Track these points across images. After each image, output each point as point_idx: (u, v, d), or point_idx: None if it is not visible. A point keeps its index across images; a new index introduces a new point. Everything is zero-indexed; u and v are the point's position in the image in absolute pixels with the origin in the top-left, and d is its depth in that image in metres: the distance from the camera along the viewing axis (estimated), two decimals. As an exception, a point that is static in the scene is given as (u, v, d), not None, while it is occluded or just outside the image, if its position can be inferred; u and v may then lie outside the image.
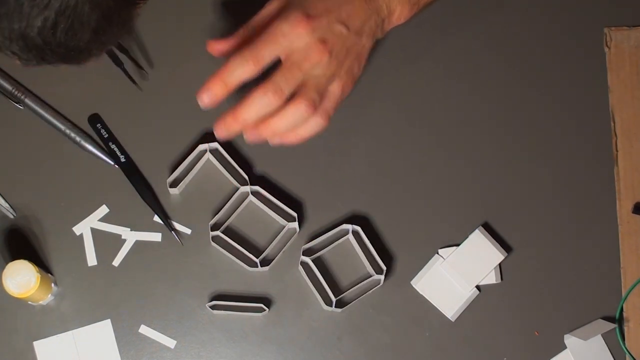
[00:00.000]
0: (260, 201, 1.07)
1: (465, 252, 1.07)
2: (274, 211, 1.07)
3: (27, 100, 1.07)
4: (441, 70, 1.12)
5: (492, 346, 1.07)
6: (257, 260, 1.05)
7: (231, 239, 1.06)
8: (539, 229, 1.10)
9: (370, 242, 1.06)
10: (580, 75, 1.12)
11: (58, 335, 1.05)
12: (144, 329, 1.06)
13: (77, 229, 1.07)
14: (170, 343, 1.06)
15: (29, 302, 1.04)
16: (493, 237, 1.08)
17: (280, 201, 1.06)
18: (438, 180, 1.10)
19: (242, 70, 0.94)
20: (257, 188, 1.06)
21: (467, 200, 1.10)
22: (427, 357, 1.07)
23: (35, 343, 1.05)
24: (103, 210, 1.07)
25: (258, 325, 1.06)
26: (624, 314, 1.08)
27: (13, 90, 1.07)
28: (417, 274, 1.08)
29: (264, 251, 1.07)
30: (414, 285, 1.08)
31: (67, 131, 1.07)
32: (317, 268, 1.05)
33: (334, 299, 1.04)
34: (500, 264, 1.08)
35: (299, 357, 1.06)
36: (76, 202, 1.07)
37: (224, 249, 1.06)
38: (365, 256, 1.07)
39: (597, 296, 1.08)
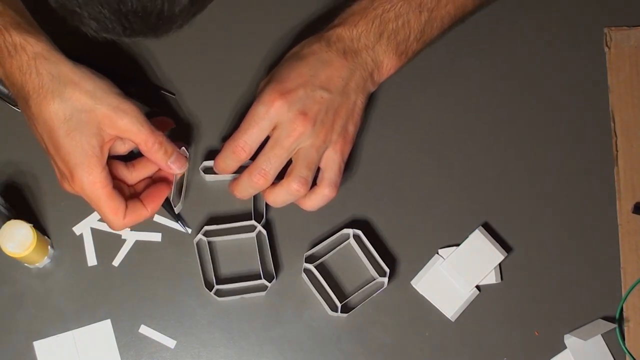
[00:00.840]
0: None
1: (465, 252, 1.07)
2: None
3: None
4: (438, 69, 1.12)
5: (492, 346, 1.07)
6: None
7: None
8: (539, 229, 1.10)
9: (372, 244, 1.06)
10: (580, 75, 1.12)
11: (58, 335, 1.05)
12: (144, 329, 1.06)
13: (77, 229, 1.07)
14: (170, 343, 1.06)
15: (26, 264, 1.04)
16: (493, 237, 1.08)
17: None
18: (438, 181, 1.10)
19: (232, 159, 0.99)
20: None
21: (467, 200, 1.10)
22: (427, 357, 1.07)
23: (35, 343, 1.05)
24: (103, 210, 1.07)
25: (258, 325, 1.06)
26: (624, 314, 1.08)
27: (10, 94, 1.07)
28: (417, 274, 1.08)
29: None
30: (414, 285, 1.08)
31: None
32: (321, 274, 1.05)
33: (339, 305, 1.04)
34: (500, 264, 1.08)
35: (299, 357, 1.06)
36: (76, 202, 1.07)
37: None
38: (368, 259, 1.07)
39: (597, 296, 1.08)
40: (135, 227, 1.07)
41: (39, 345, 1.05)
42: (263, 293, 1.05)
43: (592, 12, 1.13)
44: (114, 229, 0.98)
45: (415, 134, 1.11)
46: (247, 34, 1.11)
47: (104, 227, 1.07)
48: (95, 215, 1.07)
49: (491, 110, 1.11)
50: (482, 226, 1.09)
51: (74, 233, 1.07)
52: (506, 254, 1.08)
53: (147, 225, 1.07)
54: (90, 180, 0.94)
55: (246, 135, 0.98)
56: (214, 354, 1.06)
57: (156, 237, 1.07)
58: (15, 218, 0.99)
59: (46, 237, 1.05)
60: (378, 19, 1.00)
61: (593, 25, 1.13)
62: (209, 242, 1.05)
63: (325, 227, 1.08)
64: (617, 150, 1.11)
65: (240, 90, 1.09)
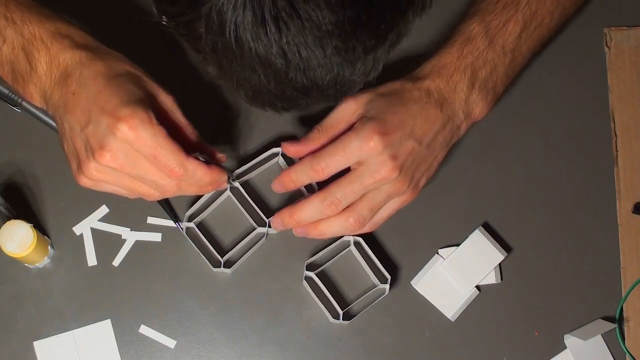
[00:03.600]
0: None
1: (465, 252, 1.07)
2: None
3: (24, 103, 1.07)
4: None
5: (492, 346, 1.07)
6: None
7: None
8: (539, 229, 1.10)
9: (373, 249, 1.05)
10: (580, 75, 1.12)
11: (58, 335, 1.05)
12: (144, 329, 1.06)
13: (77, 229, 1.07)
14: (170, 343, 1.06)
15: (26, 264, 1.04)
16: (493, 237, 1.08)
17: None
18: (438, 181, 1.09)
19: (307, 175, 0.98)
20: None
21: (467, 200, 1.10)
22: (427, 357, 1.07)
23: (35, 343, 1.05)
24: (103, 210, 1.07)
25: (258, 325, 1.06)
26: (624, 314, 1.08)
27: (10, 94, 1.07)
28: (417, 274, 1.08)
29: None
30: (414, 285, 1.08)
31: (67, 131, 1.07)
32: (322, 281, 1.05)
33: (340, 312, 1.04)
34: (500, 264, 1.08)
35: (299, 357, 1.06)
36: (76, 202, 1.07)
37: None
38: (369, 266, 1.07)
39: (597, 296, 1.08)
40: (135, 227, 1.07)
41: (39, 345, 1.05)
42: (264, 240, 1.06)
43: (592, 12, 1.13)
44: (166, 192, 0.93)
45: (415, 134, 1.11)
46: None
47: (104, 227, 1.07)
48: (95, 215, 1.07)
49: (490, 110, 1.11)
50: (482, 226, 1.09)
51: (74, 233, 1.07)
52: (506, 254, 1.08)
53: (147, 225, 1.07)
54: (143, 117, 0.89)
55: (331, 160, 0.97)
56: (214, 354, 1.06)
57: (156, 237, 1.07)
58: (15, 218, 0.99)
59: (46, 237, 1.05)
60: (469, 68, 1.00)
61: (593, 25, 1.13)
62: (197, 226, 1.05)
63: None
64: (617, 150, 1.11)
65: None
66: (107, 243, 1.07)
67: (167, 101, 0.95)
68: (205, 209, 1.06)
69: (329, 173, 0.97)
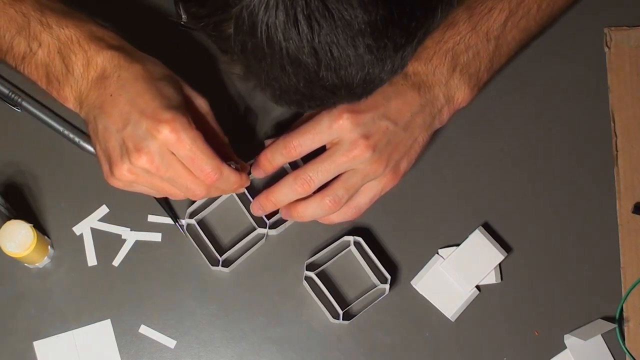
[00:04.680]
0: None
1: (465, 252, 1.07)
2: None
3: (24, 103, 1.07)
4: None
5: (492, 346, 1.07)
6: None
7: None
8: (539, 229, 1.10)
9: (373, 249, 1.05)
10: (580, 75, 1.12)
11: (58, 335, 1.05)
12: (144, 329, 1.06)
13: (77, 229, 1.07)
14: (170, 343, 1.06)
15: (26, 264, 1.04)
16: (493, 237, 1.08)
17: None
18: (438, 181, 1.10)
19: (281, 154, 0.98)
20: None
21: (467, 200, 1.10)
22: (427, 357, 1.07)
23: (35, 343, 1.05)
24: (103, 210, 1.07)
25: (258, 325, 1.06)
26: (624, 314, 1.08)
27: (10, 94, 1.07)
28: (417, 274, 1.08)
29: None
30: (414, 285, 1.08)
31: (66, 132, 1.07)
32: (322, 281, 1.05)
33: (340, 312, 1.04)
34: (500, 264, 1.08)
35: (299, 357, 1.06)
36: (76, 202, 1.07)
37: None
38: (369, 266, 1.07)
39: (597, 296, 1.08)
40: (135, 227, 1.07)
41: (39, 345, 1.05)
42: (263, 241, 1.06)
43: (592, 12, 1.13)
44: (196, 196, 0.94)
45: (415, 134, 1.11)
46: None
47: (104, 227, 1.07)
48: (95, 215, 1.07)
49: (491, 110, 1.11)
50: (482, 226, 1.09)
51: (74, 233, 1.07)
52: (506, 254, 1.08)
53: (147, 225, 1.07)
54: (184, 122, 0.90)
55: (302, 138, 0.97)
56: (214, 354, 1.06)
57: (156, 237, 1.07)
58: (15, 218, 0.99)
59: (46, 237, 1.05)
60: (450, 52, 1.00)
61: (593, 25, 1.13)
62: (198, 223, 1.05)
63: (325, 235, 1.08)
64: (617, 150, 1.11)
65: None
66: (107, 243, 1.07)
67: (203, 105, 0.96)
68: (207, 207, 1.06)
69: (302, 152, 0.98)
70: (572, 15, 1.13)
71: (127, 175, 0.92)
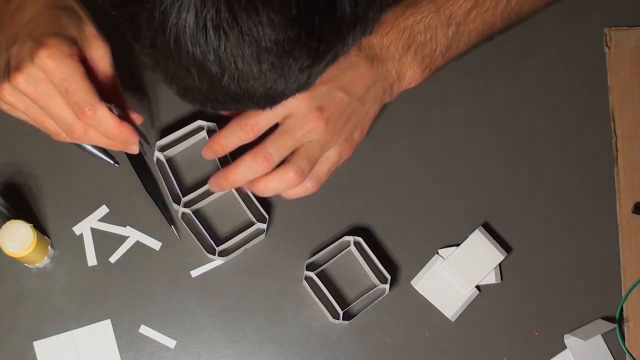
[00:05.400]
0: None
1: (465, 252, 1.07)
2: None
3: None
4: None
5: (492, 346, 1.07)
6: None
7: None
8: (539, 229, 1.10)
9: (373, 249, 1.05)
10: (580, 75, 1.12)
11: (58, 335, 1.05)
12: (144, 329, 1.06)
13: (77, 229, 1.07)
14: (170, 343, 1.06)
15: (26, 264, 1.04)
16: (493, 237, 1.08)
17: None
18: (438, 181, 1.10)
19: (237, 137, 0.97)
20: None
21: (467, 200, 1.10)
22: (427, 357, 1.07)
23: (35, 343, 1.05)
24: (103, 210, 1.07)
25: (258, 325, 1.06)
26: (624, 314, 1.08)
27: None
28: (417, 274, 1.08)
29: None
30: (414, 285, 1.08)
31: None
32: (322, 282, 1.05)
33: (340, 312, 1.04)
34: (500, 264, 1.08)
35: (299, 357, 1.06)
36: (76, 202, 1.07)
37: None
38: (369, 266, 1.07)
39: (597, 296, 1.08)
40: (135, 228, 1.07)
41: (39, 345, 1.05)
42: (263, 236, 1.05)
43: (592, 12, 1.13)
44: (72, 133, 0.91)
45: (415, 135, 1.11)
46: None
47: (104, 227, 1.07)
48: (95, 215, 1.07)
49: (490, 110, 1.11)
50: (482, 226, 1.09)
51: (74, 233, 1.07)
52: (506, 254, 1.08)
53: (147, 225, 1.07)
54: (65, 50, 0.88)
55: (258, 117, 0.97)
56: (214, 353, 1.06)
57: (156, 244, 1.07)
58: (15, 218, 0.99)
59: (46, 237, 1.05)
60: (408, 30, 0.99)
61: (593, 25, 1.13)
62: (194, 213, 1.05)
63: (325, 235, 1.08)
64: (617, 150, 1.11)
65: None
66: (107, 243, 1.07)
67: (99, 49, 0.93)
68: (202, 200, 1.06)
69: (259, 131, 0.97)
70: (572, 15, 1.13)
71: (8, 97, 0.91)
